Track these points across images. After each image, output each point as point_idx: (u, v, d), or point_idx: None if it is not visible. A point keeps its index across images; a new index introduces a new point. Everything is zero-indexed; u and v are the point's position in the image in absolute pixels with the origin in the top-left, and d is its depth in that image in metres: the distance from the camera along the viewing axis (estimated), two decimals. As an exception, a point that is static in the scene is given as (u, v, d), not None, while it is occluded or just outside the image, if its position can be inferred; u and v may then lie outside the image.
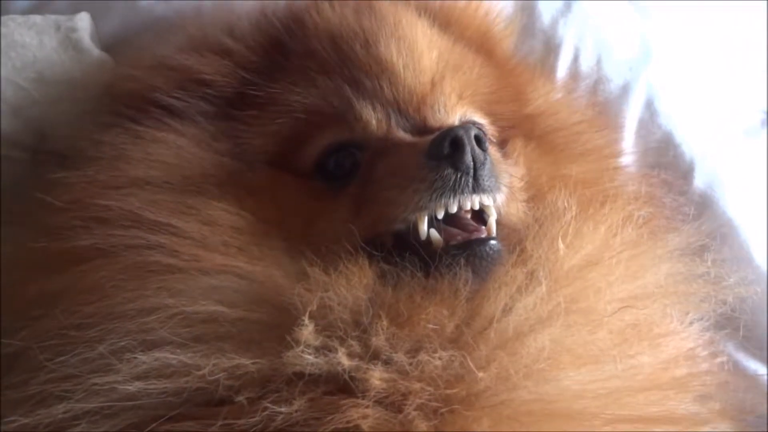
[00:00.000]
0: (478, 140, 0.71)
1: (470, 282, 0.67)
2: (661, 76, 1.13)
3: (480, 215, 0.73)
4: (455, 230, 0.71)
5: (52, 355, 0.65)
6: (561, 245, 0.72)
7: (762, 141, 1.19)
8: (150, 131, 0.78)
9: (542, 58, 1.09)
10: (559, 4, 1.12)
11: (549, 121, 0.95)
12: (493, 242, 0.71)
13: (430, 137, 0.73)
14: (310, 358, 0.62)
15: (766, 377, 1.00)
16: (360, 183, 0.76)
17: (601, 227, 0.76)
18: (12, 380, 0.68)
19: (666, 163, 1.08)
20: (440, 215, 0.70)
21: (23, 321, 0.70)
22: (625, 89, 1.10)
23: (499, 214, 0.75)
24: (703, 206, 1.05)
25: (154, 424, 0.63)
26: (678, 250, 0.83)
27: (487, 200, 0.73)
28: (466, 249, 0.69)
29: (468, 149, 0.70)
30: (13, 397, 0.67)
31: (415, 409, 0.61)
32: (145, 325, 0.65)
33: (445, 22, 0.92)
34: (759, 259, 1.04)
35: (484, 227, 0.72)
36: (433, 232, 0.70)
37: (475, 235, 0.70)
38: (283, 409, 0.60)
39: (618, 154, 1.03)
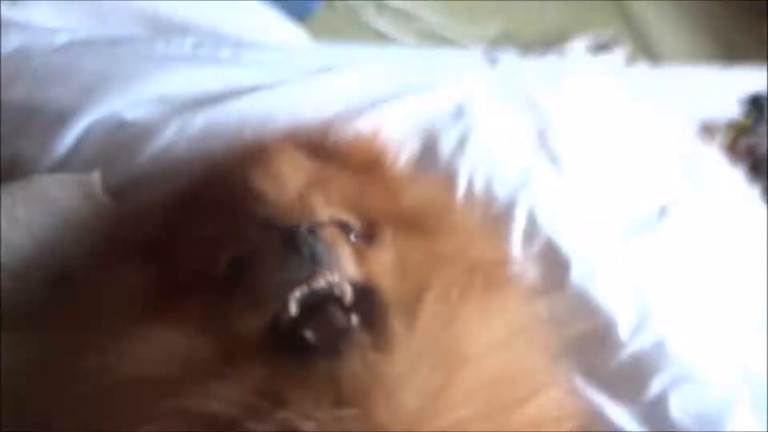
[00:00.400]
0: (310, 231, 0.90)
1: (336, 363, 0.83)
2: (540, 194, 1.38)
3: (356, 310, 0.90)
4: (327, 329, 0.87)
5: None
6: (391, 317, 0.89)
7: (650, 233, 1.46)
8: (111, 272, 1.02)
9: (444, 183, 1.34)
10: (454, 143, 1.40)
11: (419, 212, 1.12)
12: (354, 333, 0.87)
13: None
14: None
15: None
16: (246, 281, 0.93)
17: (442, 288, 0.93)
18: None
19: (547, 262, 1.31)
20: (298, 294, 0.87)
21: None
22: (510, 206, 1.35)
23: (367, 290, 0.92)
24: (578, 297, 1.28)
25: None
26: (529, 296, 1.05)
27: (329, 276, 0.88)
28: (333, 340, 0.85)
29: (300, 237, 0.89)
30: None
31: None
32: None
33: (326, 152, 1.16)
34: (623, 336, 1.24)
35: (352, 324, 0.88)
36: (309, 334, 0.86)
37: (342, 330, 0.87)
38: None
39: (487, 228, 1.25)
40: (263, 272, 0.92)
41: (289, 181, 1.04)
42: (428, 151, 1.41)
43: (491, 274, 1.05)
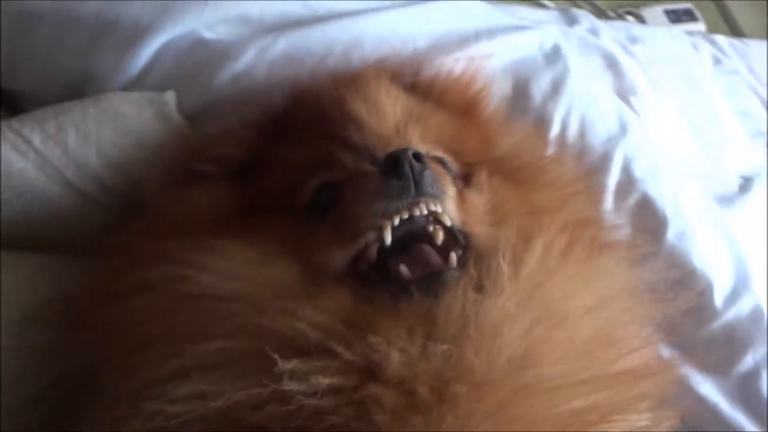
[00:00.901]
0: (417, 156, 0.84)
1: (433, 303, 0.78)
2: (637, 146, 1.29)
3: (447, 250, 0.86)
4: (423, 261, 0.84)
5: (117, 379, 0.78)
6: (503, 262, 0.83)
7: (738, 203, 1.39)
8: (188, 192, 0.99)
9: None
10: (548, 88, 1.32)
11: (515, 160, 1.08)
12: (453, 272, 0.82)
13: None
14: (295, 386, 0.71)
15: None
16: (336, 209, 0.90)
17: (548, 241, 0.88)
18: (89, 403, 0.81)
19: (643, 218, 1.22)
20: (396, 222, 0.83)
21: (90, 345, 0.84)
22: (605, 156, 1.27)
23: (462, 232, 0.88)
24: (672, 257, 1.19)
25: None
26: (628, 263, 0.96)
27: (433, 206, 0.84)
28: (428, 279, 0.81)
29: (405, 162, 0.82)
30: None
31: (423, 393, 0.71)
32: (179, 358, 0.75)
33: (423, 89, 1.10)
34: (718, 304, 1.16)
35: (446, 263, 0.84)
36: (403, 268, 0.83)
37: (437, 269, 0.83)
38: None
39: (583, 184, 1.15)
40: (356, 199, 0.87)
41: (387, 110, 0.99)
42: (519, 94, 1.31)
43: (593, 234, 1.00)
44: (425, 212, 0.84)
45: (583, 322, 0.82)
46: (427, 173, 0.84)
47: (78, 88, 1.19)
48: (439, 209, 0.85)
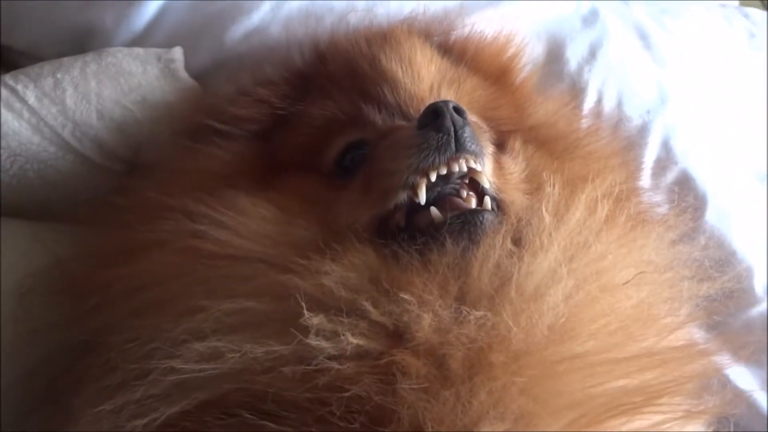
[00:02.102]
0: (458, 110, 0.77)
1: (467, 248, 0.72)
2: (677, 119, 1.20)
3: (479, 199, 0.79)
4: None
5: (124, 342, 0.72)
6: (546, 214, 0.77)
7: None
8: (202, 148, 0.90)
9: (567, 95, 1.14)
10: (585, 52, 1.21)
11: (549, 130, 1.00)
12: (488, 214, 0.76)
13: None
14: (322, 343, 0.66)
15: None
16: (365, 167, 0.83)
17: (590, 201, 0.81)
18: (89, 368, 0.75)
19: (682, 196, 1.09)
20: (433, 177, 0.76)
21: (89, 311, 0.78)
22: (643, 129, 1.17)
23: (499, 198, 0.81)
24: (711, 237, 1.11)
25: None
26: (669, 239, 0.87)
27: (473, 163, 0.77)
28: (462, 218, 0.74)
29: (447, 115, 0.76)
30: (95, 385, 0.72)
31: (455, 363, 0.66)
32: (194, 318, 0.70)
33: (456, 51, 1.01)
34: (759, 289, 1.09)
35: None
36: (433, 209, 0.75)
37: (471, 209, 0.76)
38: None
39: (620, 159, 1.06)
40: (389, 155, 0.80)
41: (422, 71, 0.92)
42: (554, 58, 1.20)
43: (632, 208, 0.91)
44: (465, 169, 0.77)
45: (626, 293, 0.76)
46: (468, 128, 0.77)
47: (80, 45, 1.08)
48: (478, 167, 0.78)
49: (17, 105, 0.94)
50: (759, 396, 1.03)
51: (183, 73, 1.01)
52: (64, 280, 0.85)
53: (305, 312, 0.67)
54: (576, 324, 0.70)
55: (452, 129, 0.76)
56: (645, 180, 1.15)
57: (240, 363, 0.67)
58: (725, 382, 0.98)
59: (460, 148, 0.76)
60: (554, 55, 1.21)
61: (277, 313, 0.69)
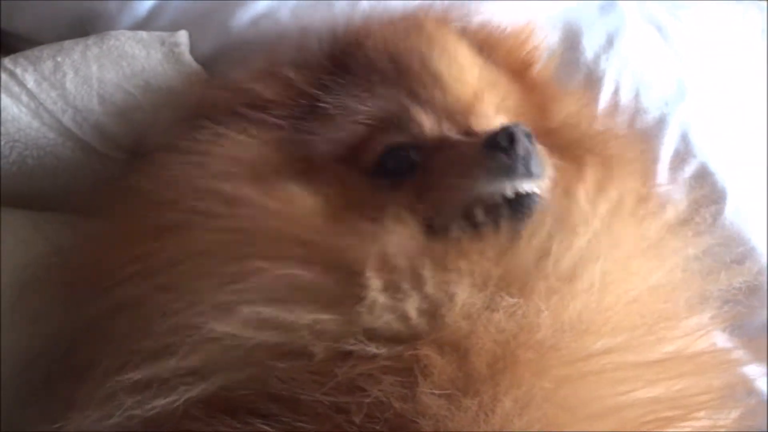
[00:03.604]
0: (528, 135, 0.76)
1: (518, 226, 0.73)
2: (695, 112, 1.14)
3: None
4: None
5: (151, 313, 0.68)
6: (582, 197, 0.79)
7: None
8: (231, 134, 0.83)
9: (584, 88, 1.11)
10: (602, 41, 1.15)
11: (571, 133, 0.97)
12: (537, 197, 0.77)
13: (485, 134, 0.79)
14: (380, 313, 0.65)
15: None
16: (419, 176, 0.80)
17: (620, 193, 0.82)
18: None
19: (700, 190, 1.07)
20: (498, 199, 0.75)
21: (99, 293, 0.73)
22: (661, 121, 1.12)
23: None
24: (730, 233, 1.06)
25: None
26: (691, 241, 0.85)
27: (536, 188, 0.77)
28: (519, 199, 0.76)
29: (521, 141, 0.75)
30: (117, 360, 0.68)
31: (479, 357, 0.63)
32: (243, 282, 0.67)
33: (482, 46, 0.96)
34: None
35: None
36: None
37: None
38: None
39: (641, 159, 1.03)
40: (453, 174, 0.78)
41: (467, 74, 0.88)
42: (570, 47, 1.14)
43: (655, 212, 0.89)
44: (530, 191, 0.77)
45: (652, 290, 0.74)
46: (535, 153, 0.77)
47: (82, 30, 1.02)
48: (539, 191, 0.78)
49: (16, 89, 0.89)
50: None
51: (188, 57, 0.96)
52: (69, 265, 0.82)
53: (367, 276, 0.66)
54: (603, 317, 0.68)
55: (522, 156, 0.75)
56: (663, 173, 1.10)
57: (279, 334, 0.65)
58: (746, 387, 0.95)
59: (527, 175, 0.76)
60: (570, 43, 1.15)
61: (332, 281, 0.68)
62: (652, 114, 1.13)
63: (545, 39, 1.08)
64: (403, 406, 0.60)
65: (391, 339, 0.64)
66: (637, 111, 1.13)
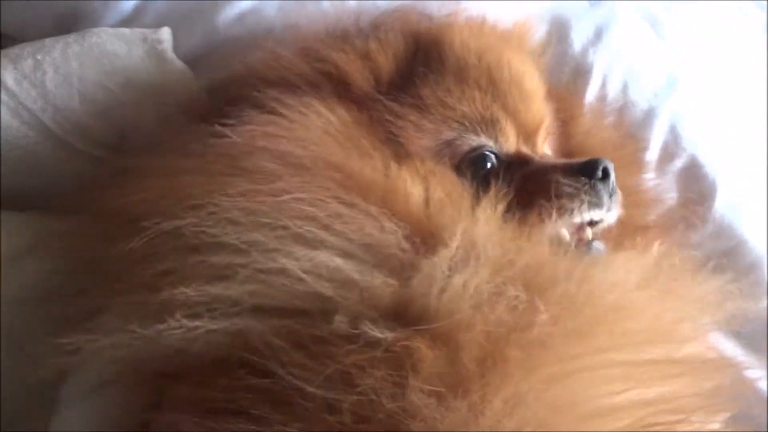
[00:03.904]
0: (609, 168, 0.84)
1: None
2: (685, 104, 1.13)
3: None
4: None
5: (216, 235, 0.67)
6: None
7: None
8: (318, 106, 0.82)
9: (572, 82, 1.11)
10: (590, 33, 1.14)
11: (583, 150, 0.99)
12: (599, 244, 0.84)
13: (577, 161, 0.87)
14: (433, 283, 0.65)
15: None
16: (504, 188, 0.81)
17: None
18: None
19: (691, 182, 1.09)
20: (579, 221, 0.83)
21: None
22: (649, 114, 1.11)
23: None
24: (721, 226, 1.06)
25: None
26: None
27: (610, 218, 0.86)
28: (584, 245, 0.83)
29: (611, 174, 0.84)
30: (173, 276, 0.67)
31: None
32: (325, 225, 0.67)
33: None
34: None
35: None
36: (564, 232, 0.82)
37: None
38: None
39: (639, 169, 1.06)
40: (542, 189, 0.83)
41: (541, 93, 0.94)
42: (558, 39, 1.13)
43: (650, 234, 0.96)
44: (605, 220, 0.86)
45: (644, 293, 0.74)
46: (616, 188, 0.85)
47: (67, 29, 1.01)
48: (611, 220, 0.87)
49: (-6, 87, 0.88)
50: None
51: (170, 54, 0.94)
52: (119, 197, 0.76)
53: (446, 244, 0.67)
54: (594, 317, 0.67)
55: (608, 187, 0.84)
56: (651, 166, 1.10)
57: (333, 289, 0.64)
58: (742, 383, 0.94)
59: (609, 204, 0.85)
60: (559, 36, 1.14)
61: (410, 247, 0.69)
62: (640, 106, 1.12)
63: (534, 33, 1.07)
64: (394, 405, 0.59)
65: (418, 318, 0.64)
66: (625, 104, 1.12)
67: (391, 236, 0.68)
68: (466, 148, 0.86)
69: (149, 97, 0.91)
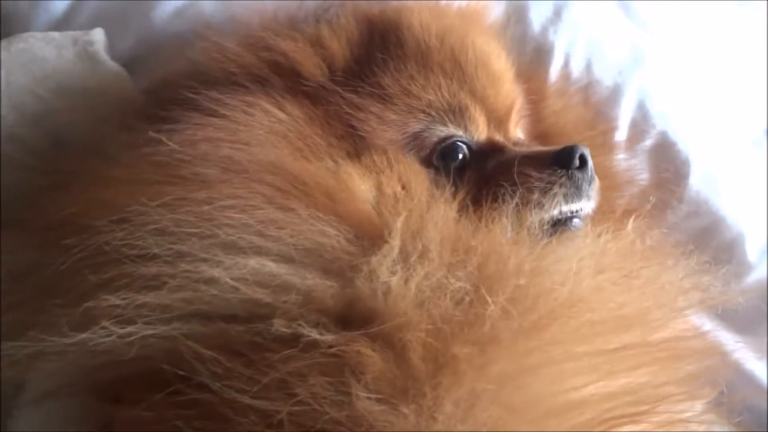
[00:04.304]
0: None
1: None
2: (654, 79, 1.09)
3: None
4: None
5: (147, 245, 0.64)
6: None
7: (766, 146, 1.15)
8: (264, 104, 0.78)
9: (534, 63, 1.06)
10: (549, 12, 1.09)
11: (554, 131, 0.97)
12: (578, 220, 0.81)
13: (550, 149, 0.83)
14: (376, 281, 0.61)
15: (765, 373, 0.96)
16: (476, 179, 0.81)
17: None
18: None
19: (663, 161, 1.05)
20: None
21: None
22: (615, 91, 1.07)
23: None
24: (698, 203, 1.02)
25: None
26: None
27: (588, 209, 0.82)
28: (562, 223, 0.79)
29: (589, 161, 0.80)
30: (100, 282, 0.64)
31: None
32: (258, 231, 0.64)
33: None
34: (751, 256, 1.01)
35: None
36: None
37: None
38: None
39: (611, 150, 1.03)
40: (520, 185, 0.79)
41: (505, 72, 0.90)
42: (516, 20, 1.08)
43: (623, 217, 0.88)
44: (586, 211, 0.82)
45: (608, 287, 0.70)
46: (594, 176, 0.82)
47: (-1, 34, 0.96)
48: (588, 210, 0.83)
49: None
50: (757, 366, 0.96)
51: (103, 56, 0.89)
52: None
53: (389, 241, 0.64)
54: (554, 313, 0.64)
55: (588, 175, 0.80)
56: (620, 146, 1.05)
57: (270, 295, 0.61)
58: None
59: (589, 193, 0.81)
60: (517, 17, 1.09)
61: (355, 248, 0.65)
62: (605, 84, 1.08)
63: (491, 14, 1.03)
64: (339, 414, 0.55)
65: (364, 320, 0.60)
66: (589, 83, 1.08)
67: (333, 240, 0.65)
68: (434, 139, 0.82)
69: (83, 102, 0.87)
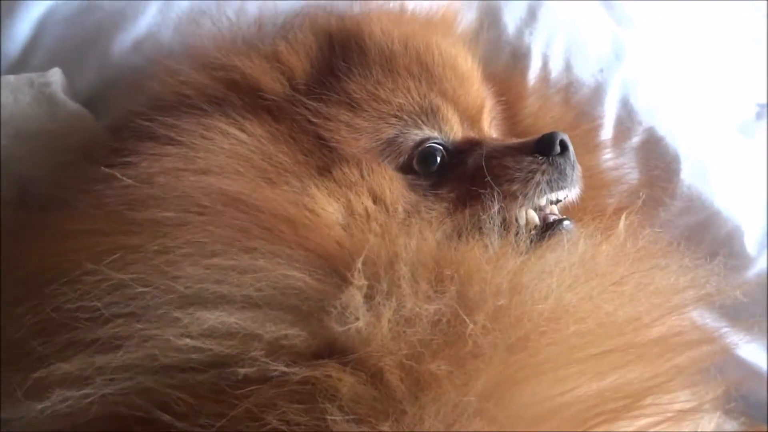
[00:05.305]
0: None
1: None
2: (636, 74, 1.06)
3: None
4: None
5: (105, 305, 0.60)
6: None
7: (757, 133, 1.13)
8: (221, 125, 0.75)
9: (510, 67, 1.03)
10: (523, 13, 1.06)
11: (533, 132, 0.93)
12: (567, 222, 0.78)
13: (530, 139, 0.80)
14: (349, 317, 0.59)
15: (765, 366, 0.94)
16: (458, 179, 0.79)
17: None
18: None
19: (652, 157, 1.02)
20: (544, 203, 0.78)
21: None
22: (598, 89, 1.04)
23: None
24: (690, 198, 1.00)
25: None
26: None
27: (573, 195, 0.81)
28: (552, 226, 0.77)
29: (570, 147, 0.78)
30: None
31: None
32: (218, 280, 0.61)
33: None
34: (750, 248, 0.98)
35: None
36: (532, 214, 0.78)
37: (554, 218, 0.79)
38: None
39: (596, 148, 1.00)
40: (498, 174, 0.78)
41: (473, 70, 0.88)
42: (489, 24, 1.04)
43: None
44: (572, 198, 0.81)
45: (594, 296, 0.67)
46: (576, 162, 0.80)
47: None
48: (573, 197, 0.82)
49: None
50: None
51: (61, 97, 0.86)
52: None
53: (355, 276, 0.61)
54: (538, 329, 0.62)
55: (570, 162, 0.79)
56: (607, 144, 1.02)
57: (233, 346, 0.58)
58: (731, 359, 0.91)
59: (573, 180, 0.80)
60: (490, 21, 1.05)
61: (325, 287, 0.62)
62: (587, 83, 1.04)
63: (461, 19, 1.00)
64: None
65: (338, 353, 0.59)
66: (569, 84, 1.04)
67: (298, 281, 0.62)
68: (410, 143, 0.79)
69: (43, 147, 0.84)
